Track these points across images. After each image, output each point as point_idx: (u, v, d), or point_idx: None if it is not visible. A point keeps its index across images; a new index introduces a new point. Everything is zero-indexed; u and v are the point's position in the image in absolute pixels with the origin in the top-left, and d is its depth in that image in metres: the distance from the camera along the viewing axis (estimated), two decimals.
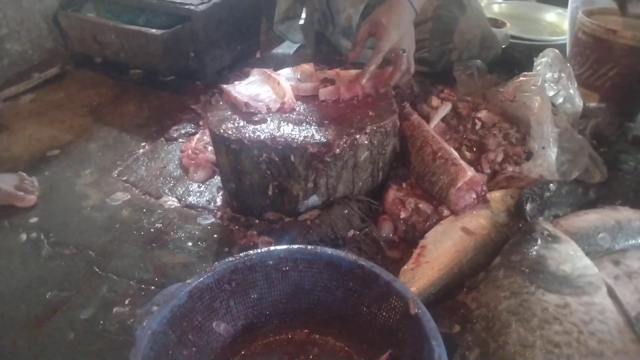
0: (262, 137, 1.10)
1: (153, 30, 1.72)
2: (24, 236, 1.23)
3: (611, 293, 0.90)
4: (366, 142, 1.12)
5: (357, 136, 1.10)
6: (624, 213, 1.15)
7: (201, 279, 0.86)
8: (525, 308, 0.87)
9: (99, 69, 2.02)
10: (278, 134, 1.11)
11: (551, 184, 1.18)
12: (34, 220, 1.28)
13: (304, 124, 1.15)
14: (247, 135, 1.11)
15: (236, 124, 1.15)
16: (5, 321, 1.01)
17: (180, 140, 1.59)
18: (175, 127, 1.65)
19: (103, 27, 1.81)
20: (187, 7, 1.78)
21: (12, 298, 1.07)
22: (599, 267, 1.06)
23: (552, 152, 1.23)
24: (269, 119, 1.17)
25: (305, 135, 1.11)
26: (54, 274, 1.13)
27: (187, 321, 0.85)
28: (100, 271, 1.14)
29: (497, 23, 2.03)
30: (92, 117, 1.74)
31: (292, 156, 1.09)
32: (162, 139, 1.61)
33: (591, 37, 1.56)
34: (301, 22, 1.84)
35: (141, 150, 1.56)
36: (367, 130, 1.12)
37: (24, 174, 1.39)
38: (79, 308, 1.05)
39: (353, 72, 1.31)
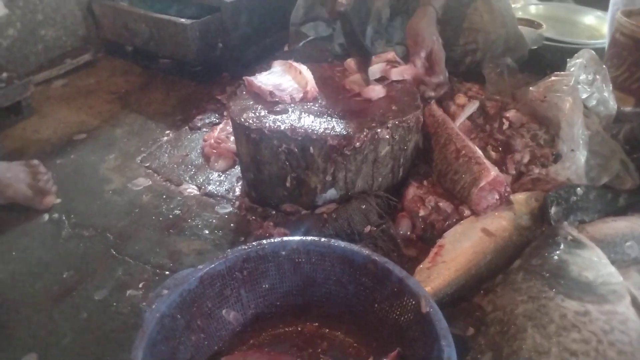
0: (282, 128, 1.09)
1: (183, 20, 1.74)
2: (46, 216, 1.26)
3: (635, 303, 0.86)
4: (387, 136, 1.10)
5: (379, 130, 1.09)
6: None
7: (213, 265, 0.86)
8: (542, 313, 0.83)
9: (129, 57, 2.05)
10: (298, 125, 1.10)
11: (578, 188, 1.13)
12: (57, 201, 1.31)
13: (325, 116, 1.14)
14: (267, 125, 1.10)
15: (257, 114, 1.15)
16: (22, 298, 1.03)
17: (204, 129, 1.60)
18: (199, 117, 1.65)
19: (134, 16, 1.83)
20: None
21: (31, 276, 1.09)
22: (625, 276, 1.02)
23: (582, 155, 1.19)
24: (290, 109, 1.16)
25: (326, 127, 1.09)
26: (73, 254, 1.15)
27: (196, 307, 0.85)
28: (117, 254, 1.15)
29: (532, 24, 1.97)
30: (120, 104, 1.77)
31: (311, 148, 1.08)
32: (187, 127, 1.62)
33: (630, 39, 1.51)
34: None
35: (165, 138, 1.57)
36: (389, 125, 1.10)
37: (37, 162, 1.29)
38: (94, 289, 1.06)
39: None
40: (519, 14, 2.32)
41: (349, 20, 1.27)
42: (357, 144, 1.08)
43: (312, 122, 1.11)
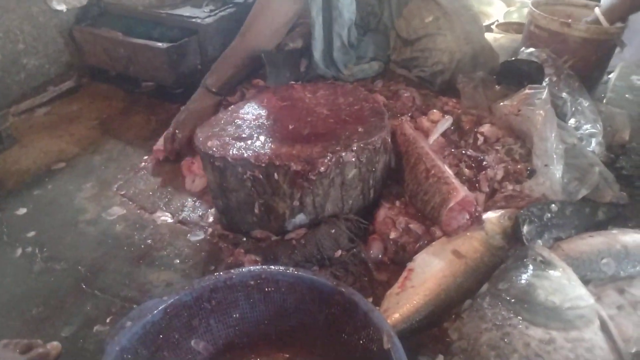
0: (245, 155, 1.08)
1: (159, 44, 1.73)
2: (19, 250, 1.25)
3: (604, 328, 0.83)
4: (353, 159, 1.08)
5: (343, 154, 1.07)
6: (634, 237, 1.07)
7: (178, 296, 0.86)
8: (506, 343, 0.81)
9: (112, 82, 2.05)
10: (262, 152, 1.08)
11: (552, 205, 1.11)
12: (31, 234, 1.30)
13: (289, 141, 1.12)
14: (231, 152, 1.09)
15: (222, 141, 1.13)
16: None
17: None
18: None
19: (112, 41, 1.84)
20: (194, 20, 1.79)
21: None
22: (602, 295, 0.99)
23: (557, 170, 1.16)
24: (255, 135, 1.15)
25: (290, 152, 1.08)
26: (43, 289, 1.14)
27: (162, 338, 0.84)
28: (87, 287, 1.14)
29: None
30: (100, 130, 1.76)
31: (275, 174, 1.07)
32: None
33: (545, 31, 1.58)
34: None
35: (143, 164, 1.56)
36: (354, 148, 1.08)
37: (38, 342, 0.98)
38: (61, 325, 1.05)
39: None
40: (514, 17, 2.31)
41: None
42: (322, 168, 1.06)
43: (276, 147, 1.10)
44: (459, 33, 1.46)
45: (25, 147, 1.68)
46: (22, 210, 1.38)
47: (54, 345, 0.98)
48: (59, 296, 1.12)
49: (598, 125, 1.34)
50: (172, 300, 0.85)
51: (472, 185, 1.19)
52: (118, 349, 0.77)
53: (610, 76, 1.77)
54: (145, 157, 1.59)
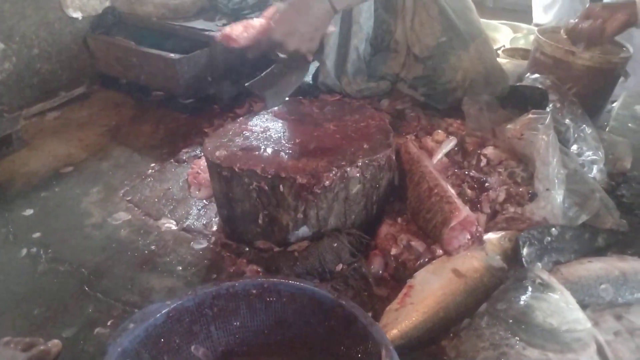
0: (252, 166, 1.10)
1: (171, 55, 1.77)
2: (24, 250, 1.27)
3: (601, 352, 0.84)
4: (357, 175, 1.10)
5: (348, 169, 1.09)
6: (632, 264, 1.08)
7: (181, 301, 0.87)
8: None
9: (123, 90, 2.09)
10: (269, 163, 1.10)
11: (553, 228, 1.12)
12: (36, 235, 1.32)
13: (296, 154, 1.14)
14: (238, 163, 1.11)
15: (229, 151, 1.15)
16: None
17: (189, 163, 1.61)
18: (186, 150, 1.67)
19: (125, 50, 1.87)
20: (206, 32, 1.82)
21: (1, 312, 1.09)
22: (599, 320, 1.00)
23: (558, 195, 1.18)
24: (262, 147, 1.17)
25: (296, 165, 1.10)
26: (46, 290, 1.15)
27: (163, 342, 0.85)
28: (89, 290, 1.15)
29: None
30: (109, 136, 1.79)
31: (281, 186, 1.08)
32: (172, 160, 1.63)
33: (550, 58, 1.60)
34: None
35: (150, 171, 1.58)
36: (359, 164, 1.10)
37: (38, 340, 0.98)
38: (63, 326, 1.06)
39: None
40: (521, 43, 2.34)
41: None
42: (327, 182, 1.08)
43: (283, 160, 1.12)
44: (472, 53, 1.50)
45: (35, 150, 1.71)
46: (29, 212, 1.40)
47: (55, 343, 0.99)
48: (61, 297, 1.13)
49: (600, 152, 1.36)
50: (174, 304, 0.86)
51: (474, 205, 1.21)
52: (120, 350, 0.79)
53: (613, 105, 1.79)
54: (153, 165, 1.62)
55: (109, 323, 1.07)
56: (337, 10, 1.20)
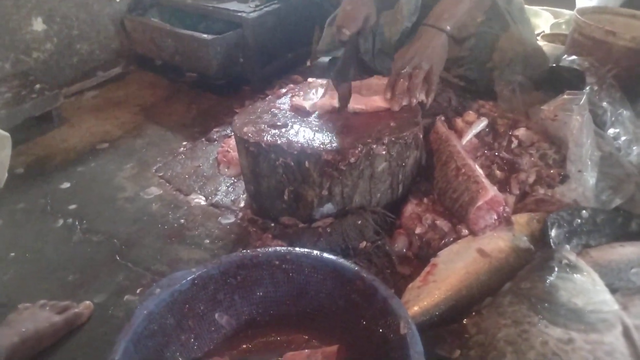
0: (279, 142, 1.11)
1: (204, 36, 1.79)
2: (61, 221, 1.32)
3: (627, 334, 0.82)
4: (383, 152, 1.10)
5: (374, 146, 1.08)
6: None
7: (206, 269, 0.89)
8: (523, 339, 0.80)
9: (158, 71, 2.14)
10: (295, 140, 1.11)
11: (584, 211, 1.09)
12: (72, 207, 1.37)
13: (323, 131, 1.15)
14: (265, 138, 1.12)
15: (257, 128, 1.17)
16: (26, 299, 1.07)
17: (219, 142, 1.63)
18: (217, 129, 1.70)
19: (160, 31, 1.91)
20: (239, 14, 1.84)
21: (38, 278, 1.15)
22: (629, 304, 0.97)
23: (590, 177, 1.14)
24: (290, 124, 1.18)
25: (322, 142, 1.10)
26: (80, 258, 1.20)
27: (188, 307, 0.88)
28: (120, 259, 1.19)
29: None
30: (143, 115, 1.84)
31: (306, 162, 1.09)
32: (203, 139, 1.67)
33: (589, 39, 1.55)
34: None
35: (182, 149, 1.62)
36: (385, 141, 1.09)
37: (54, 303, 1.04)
38: (94, 292, 1.10)
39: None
40: (562, 28, 2.27)
41: (352, 46, 1.32)
42: (352, 159, 1.08)
43: (309, 136, 1.12)
44: (512, 33, 1.46)
45: (73, 127, 1.77)
46: (66, 185, 1.46)
47: (86, 305, 1.03)
48: (94, 265, 1.18)
49: (638, 136, 1.31)
50: (200, 272, 0.88)
51: (503, 187, 1.19)
52: (146, 312, 0.81)
53: None
54: (185, 143, 1.65)
55: (137, 291, 1.11)
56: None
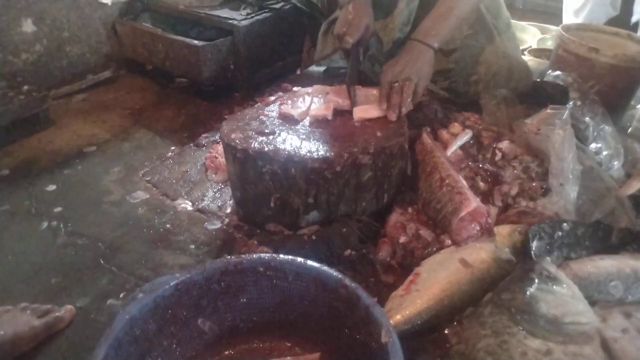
0: (266, 149, 1.12)
1: (196, 42, 1.80)
2: (45, 223, 1.31)
3: (605, 346, 0.83)
4: (369, 162, 1.11)
5: (360, 155, 1.10)
6: None
7: (189, 275, 0.89)
8: (503, 349, 0.82)
9: (148, 76, 2.14)
10: (282, 147, 1.12)
11: (565, 224, 1.11)
12: (57, 209, 1.36)
13: (310, 140, 1.16)
14: (252, 145, 1.13)
15: (245, 134, 1.18)
16: (6, 301, 1.06)
17: (206, 148, 1.64)
18: (205, 135, 1.71)
19: (151, 36, 1.92)
20: (231, 22, 1.85)
21: (21, 280, 1.14)
22: (607, 317, 0.99)
23: (572, 191, 1.16)
24: (277, 131, 1.19)
25: (308, 150, 1.11)
26: (64, 261, 1.20)
27: (171, 313, 0.87)
28: (105, 263, 1.19)
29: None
30: (132, 119, 1.84)
31: (293, 169, 1.10)
32: (192, 144, 1.67)
33: (573, 55, 1.58)
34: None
35: (170, 154, 1.62)
36: (371, 151, 1.11)
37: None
38: (77, 296, 1.10)
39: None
40: (548, 44, 2.31)
41: (354, 54, 1.38)
42: (338, 167, 1.09)
43: (296, 144, 1.13)
44: (497, 46, 1.49)
45: (61, 129, 1.77)
46: (52, 187, 1.46)
47: (68, 309, 1.03)
48: (78, 269, 1.17)
49: (619, 151, 1.33)
50: (183, 277, 0.88)
51: (486, 198, 1.21)
52: (128, 317, 0.80)
53: (638, 106, 1.76)
54: (173, 148, 1.65)
55: (121, 295, 1.10)
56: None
